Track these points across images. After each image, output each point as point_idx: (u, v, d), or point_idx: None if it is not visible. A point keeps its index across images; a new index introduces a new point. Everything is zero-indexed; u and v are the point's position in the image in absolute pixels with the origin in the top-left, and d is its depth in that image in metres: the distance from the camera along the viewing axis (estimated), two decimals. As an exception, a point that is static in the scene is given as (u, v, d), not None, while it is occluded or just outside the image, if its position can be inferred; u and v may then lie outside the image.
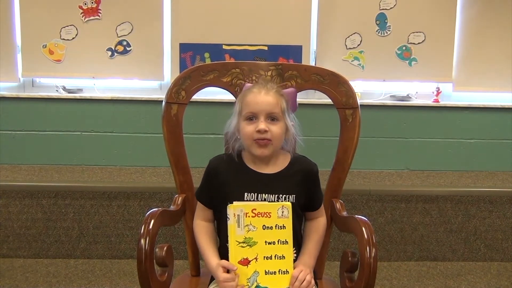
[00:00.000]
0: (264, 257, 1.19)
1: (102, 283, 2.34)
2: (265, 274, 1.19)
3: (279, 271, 1.19)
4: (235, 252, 1.19)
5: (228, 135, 1.33)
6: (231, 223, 1.18)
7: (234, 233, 1.19)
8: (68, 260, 2.56)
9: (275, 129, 1.23)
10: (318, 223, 1.36)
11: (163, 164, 2.90)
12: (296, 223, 1.28)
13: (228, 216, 1.19)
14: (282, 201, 1.25)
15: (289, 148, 1.34)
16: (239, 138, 1.29)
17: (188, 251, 1.48)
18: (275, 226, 1.18)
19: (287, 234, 1.19)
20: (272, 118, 1.23)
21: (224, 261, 1.20)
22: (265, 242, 1.19)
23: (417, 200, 2.61)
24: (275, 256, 1.19)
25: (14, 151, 3.03)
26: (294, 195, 1.27)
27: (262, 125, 1.21)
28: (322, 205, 1.37)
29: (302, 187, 1.29)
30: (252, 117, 1.24)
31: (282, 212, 1.18)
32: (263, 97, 1.23)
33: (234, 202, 1.20)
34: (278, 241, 1.19)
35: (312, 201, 1.33)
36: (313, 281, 1.22)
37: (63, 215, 2.56)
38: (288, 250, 1.20)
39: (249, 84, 1.39)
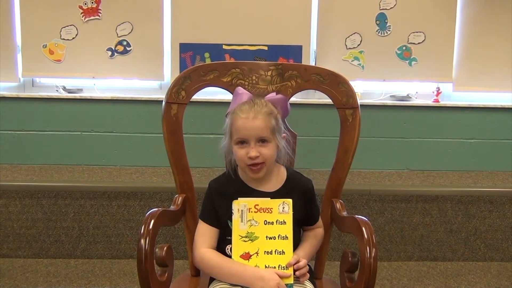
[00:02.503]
0: (265, 251, 1.22)
1: (102, 283, 2.34)
2: (265, 268, 1.21)
3: (278, 267, 1.21)
4: (237, 246, 1.22)
5: (225, 150, 1.34)
6: (235, 218, 1.23)
7: (238, 228, 1.23)
8: (68, 260, 2.56)
9: (266, 151, 1.25)
10: (316, 232, 1.39)
11: (163, 164, 2.90)
12: (296, 239, 1.30)
13: (232, 211, 1.23)
14: None
15: (283, 162, 1.36)
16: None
17: (188, 251, 1.48)
18: (276, 222, 1.22)
19: (287, 229, 1.22)
20: (262, 140, 1.25)
21: (276, 270, 1.20)
22: (266, 237, 1.22)
23: (417, 200, 2.61)
24: (275, 251, 1.21)
25: (14, 151, 3.03)
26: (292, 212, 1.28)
27: (253, 152, 1.24)
28: (320, 218, 1.40)
29: (299, 204, 1.30)
30: (243, 141, 1.26)
31: (283, 207, 1.21)
32: (251, 122, 1.24)
33: (239, 198, 1.24)
34: (278, 236, 1.22)
35: (309, 216, 1.36)
36: (307, 274, 1.23)
37: (63, 215, 2.56)
38: (288, 246, 1.22)
39: (241, 90, 1.39)
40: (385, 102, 3.08)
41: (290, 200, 1.23)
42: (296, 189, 1.33)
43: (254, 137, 1.24)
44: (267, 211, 1.22)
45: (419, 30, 3.04)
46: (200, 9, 2.99)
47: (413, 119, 3.09)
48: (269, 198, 1.25)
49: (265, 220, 1.22)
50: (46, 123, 3.02)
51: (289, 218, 1.22)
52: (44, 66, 2.99)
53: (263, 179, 1.31)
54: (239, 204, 1.23)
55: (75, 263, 2.53)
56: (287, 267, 1.21)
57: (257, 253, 1.21)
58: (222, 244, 1.29)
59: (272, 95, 1.39)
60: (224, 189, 1.31)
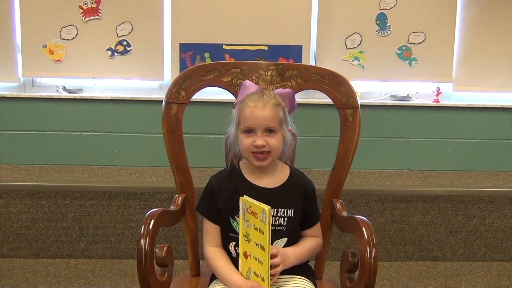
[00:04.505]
0: (254, 257, 1.18)
1: (102, 283, 2.34)
2: (254, 274, 1.19)
3: (259, 276, 1.17)
4: (242, 244, 1.21)
5: (230, 140, 1.34)
6: (240, 215, 1.20)
7: (242, 226, 1.20)
8: (68, 260, 2.56)
9: (273, 141, 1.24)
10: (314, 239, 1.35)
11: (163, 164, 2.90)
12: (297, 238, 1.30)
13: (239, 207, 1.20)
14: (281, 215, 1.26)
15: (287, 160, 1.35)
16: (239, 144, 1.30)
17: (188, 251, 1.48)
18: (259, 229, 1.16)
19: (264, 240, 1.14)
20: (269, 130, 1.24)
21: (252, 282, 1.18)
22: (254, 242, 1.17)
23: (417, 200, 2.61)
24: (258, 259, 1.17)
25: (14, 151, 3.03)
26: (292, 210, 1.27)
27: (259, 141, 1.23)
28: (319, 227, 1.36)
29: (300, 203, 1.30)
30: (250, 130, 1.25)
31: (262, 216, 1.13)
32: (259, 111, 1.23)
33: (245, 195, 1.20)
34: (259, 245, 1.16)
35: (308, 218, 1.33)
36: (278, 269, 1.19)
37: (63, 215, 2.56)
38: (265, 257, 1.14)
39: (248, 82, 1.38)
40: (385, 102, 3.08)
41: (268, 209, 1.11)
42: (298, 187, 1.31)
43: (262, 127, 1.23)
44: (255, 215, 1.16)
45: (419, 30, 3.04)
46: (200, 9, 2.99)
47: (413, 119, 3.09)
48: (258, 202, 1.17)
49: (254, 225, 1.17)
50: (46, 123, 3.02)
51: (265, 228, 1.13)
52: (44, 66, 2.99)
53: (266, 175, 1.30)
54: (242, 202, 1.19)
55: (75, 263, 2.53)
56: (264, 280, 1.16)
57: (250, 255, 1.19)
58: (226, 241, 1.28)
59: (280, 89, 1.38)
60: (225, 185, 1.30)
